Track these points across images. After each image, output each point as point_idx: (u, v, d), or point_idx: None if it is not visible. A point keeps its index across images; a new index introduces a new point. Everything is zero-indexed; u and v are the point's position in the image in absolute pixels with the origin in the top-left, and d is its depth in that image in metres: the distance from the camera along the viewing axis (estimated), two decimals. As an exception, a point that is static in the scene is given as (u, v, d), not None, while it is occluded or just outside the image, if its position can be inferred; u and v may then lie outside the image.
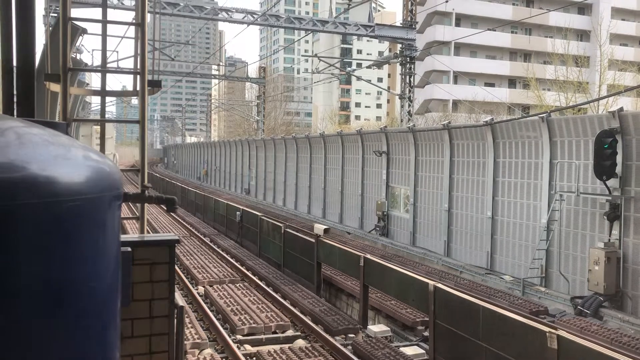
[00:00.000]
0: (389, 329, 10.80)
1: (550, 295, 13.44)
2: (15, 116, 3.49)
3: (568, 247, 13.95)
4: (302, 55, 56.73)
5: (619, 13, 56.90)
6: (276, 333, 10.52)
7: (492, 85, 54.98)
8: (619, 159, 12.36)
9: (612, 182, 12.52)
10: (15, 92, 3.56)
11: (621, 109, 12.69)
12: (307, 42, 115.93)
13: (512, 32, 57.48)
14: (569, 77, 37.45)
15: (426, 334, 10.19)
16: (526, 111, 42.68)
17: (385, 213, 21.98)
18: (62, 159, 1.83)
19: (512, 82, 57.49)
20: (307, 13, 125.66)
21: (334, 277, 13.99)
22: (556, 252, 14.16)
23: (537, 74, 41.84)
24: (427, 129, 20.79)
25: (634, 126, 12.20)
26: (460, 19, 55.97)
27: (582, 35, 53.94)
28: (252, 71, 74.78)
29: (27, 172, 1.64)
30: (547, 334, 6.70)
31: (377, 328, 10.71)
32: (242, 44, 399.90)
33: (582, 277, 13.29)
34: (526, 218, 15.35)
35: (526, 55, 57.63)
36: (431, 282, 9.14)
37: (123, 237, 2.94)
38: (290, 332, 10.59)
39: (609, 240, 12.59)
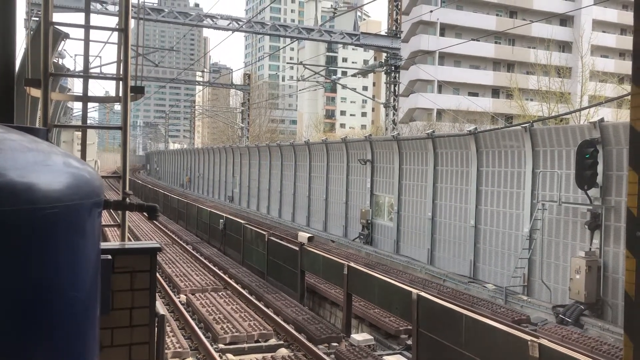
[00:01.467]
0: (372, 337, 10.79)
1: (532, 303, 13.54)
2: (-6, 121, 3.44)
3: (550, 256, 14.08)
4: (287, 63, 56.81)
5: (600, 25, 57.92)
6: (259, 342, 10.45)
7: (475, 94, 55.50)
8: (599, 168, 12.53)
9: (593, 192, 12.68)
10: (-6, 97, 3.50)
11: (602, 120, 12.88)
12: (292, 49, 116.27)
13: (495, 43, 58.15)
14: (552, 87, 37.99)
15: (409, 342, 10.19)
16: (509, 121, 43.13)
17: (369, 221, 22.01)
18: (42, 166, 1.80)
19: (495, 91, 58.10)
20: (293, 21, 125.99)
21: (318, 286, 13.96)
22: (538, 260, 14.28)
23: (520, 84, 42.37)
24: (412, 138, 20.91)
25: (614, 136, 12.39)
26: (445, 29, 56.51)
27: (564, 46, 54.76)
28: (237, 78, 74.81)
29: (5, 179, 1.61)
30: (529, 342, 6.74)
31: (361, 337, 10.69)
32: (227, 50, 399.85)
33: (564, 285, 13.42)
34: (509, 227, 15.47)
35: (509, 66, 58.33)
36: (414, 291, 9.16)
37: (103, 245, 2.90)
38: (273, 341, 10.53)
39: (590, 249, 12.73)
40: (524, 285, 14.50)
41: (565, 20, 57.80)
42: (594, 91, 39.04)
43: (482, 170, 16.47)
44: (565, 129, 14.36)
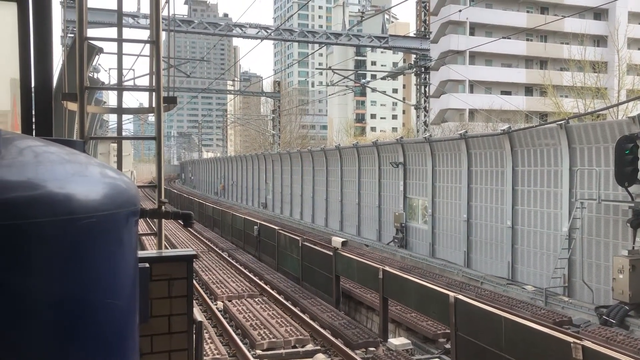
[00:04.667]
0: (409, 341, 10.69)
1: (574, 305, 13.20)
2: (33, 135, 3.54)
3: (591, 256, 13.71)
4: (316, 69, 57.04)
5: (636, 17, 56.36)
6: (296, 347, 10.47)
7: (508, 93, 54.68)
8: (640, 164, 12.16)
9: (635, 189, 12.30)
10: (33, 112, 3.60)
11: (641, 114, 12.49)
12: (321, 55, 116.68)
13: (527, 40, 57.19)
14: (587, 83, 37.08)
15: (448, 346, 10.05)
16: (544, 119, 42.36)
17: (403, 224, 21.85)
18: (79, 177, 1.84)
19: (528, 89, 57.12)
20: (321, 26, 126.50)
21: (353, 290, 13.91)
22: (579, 260, 13.93)
23: (554, 80, 41.51)
24: (444, 139, 20.69)
25: (655, 131, 12.00)
26: (475, 28, 55.88)
27: (599, 40, 53.48)
28: (267, 85, 75.33)
29: (44, 190, 1.64)
30: (572, 344, 6.57)
31: (398, 341, 10.60)
32: (257, 59, 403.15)
33: (607, 286, 13.04)
34: (547, 227, 15.15)
35: (542, 63, 57.26)
36: (451, 294, 9.04)
37: (141, 253, 2.94)
38: (310, 346, 10.53)
39: (633, 247, 12.34)
40: (565, 286, 14.15)
41: (599, 13, 56.46)
42: (632, 85, 37.94)
43: (517, 169, 16.17)
44: (603, 124, 13.98)
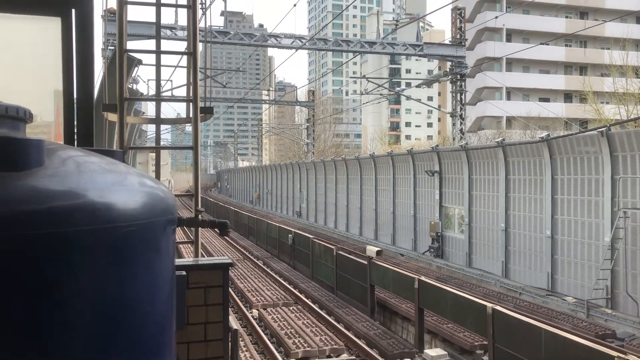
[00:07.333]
0: (446, 353, 10.52)
1: (618, 317, 12.78)
2: (75, 145, 3.63)
3: (635, 267, 13.27)
4: (351, 77, 57.02)
5: (681, 21, 54.62)
6: (330, 357, 10.42)
7: (546, 100, 53.58)
8: (687, 172, 11.74)
9: (681, 197, 11.89)
10: (75, 123, 3.70)
11: (687, 120, 12.08)
12: (355, 63, 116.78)
13: (566, 46, 56.03)
14: (629, 88, 36.05)
15: (485, 358, 9.85)
16: (584, 126, 41.33)
17: (439, 234, 21.59)
18: (119, 186, 1.87)
19: (567, 96, 55.87)
20: (355, 35, 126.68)
21: (388, 300, 13.79)
22: (622, 272, 13.50)
23: (594, 87, 40.50)
24: (481, 147, 20.40)
25: (703, 138, 11.59)
26: (511, 34, 55.07)
27: (642, 45, 51.98)
28: (302, 95, 75.78)
29: (85, 199, 1.68)
30: (616, 358, 6.35)
31: (434, 352, 10.45)
32: (291, 68, 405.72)
33: (652, 298, 12.60)
34: (588, 237, 14.74)
35: (582, 69, 55.96)
36: (489, 305, 8.87)
37: (178, 261, 2.98)
38: (344, 356, 10.47)
39: (680, 258, 11.90)
40: (607, 297, 13.72)
41: (641, 17, 54.93)
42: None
43: (556, 178, 15.82)
44: (647, 131, 13.56)
